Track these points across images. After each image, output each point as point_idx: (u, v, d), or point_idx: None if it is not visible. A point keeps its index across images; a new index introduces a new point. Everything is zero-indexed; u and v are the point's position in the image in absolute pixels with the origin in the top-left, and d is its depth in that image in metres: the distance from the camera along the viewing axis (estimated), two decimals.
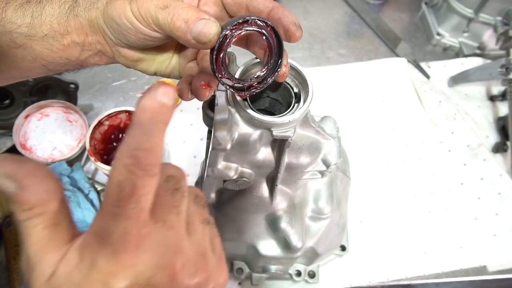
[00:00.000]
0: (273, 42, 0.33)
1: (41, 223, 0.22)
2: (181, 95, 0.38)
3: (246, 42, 0.38)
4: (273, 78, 0.35)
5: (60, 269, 0.22)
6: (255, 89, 0.35)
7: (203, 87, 0.37)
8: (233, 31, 0.32)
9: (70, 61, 0.38)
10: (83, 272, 0.22)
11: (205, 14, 0.33)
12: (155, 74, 0.40)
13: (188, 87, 0.38)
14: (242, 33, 0.32)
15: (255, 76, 0.35)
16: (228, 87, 0.35)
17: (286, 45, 0.35)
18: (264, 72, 0.35)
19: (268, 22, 0.32)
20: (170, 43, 0.34)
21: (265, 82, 0.35)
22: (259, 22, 0.32)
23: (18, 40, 0.36)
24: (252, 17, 0.32)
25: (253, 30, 0.32)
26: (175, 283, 0.24)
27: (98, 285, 0.22)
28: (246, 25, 0.32)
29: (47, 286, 0.22)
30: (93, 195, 0.68)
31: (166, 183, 0.25)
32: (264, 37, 0.33)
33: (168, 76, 0.41)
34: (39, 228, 0.22)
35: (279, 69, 0.35)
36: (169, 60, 0.40)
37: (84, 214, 0.65)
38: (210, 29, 0.32)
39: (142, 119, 0.23)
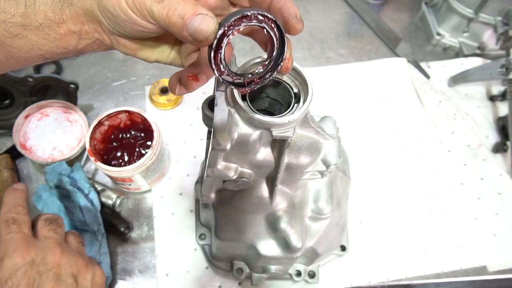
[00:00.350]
0: (275, 36, 0.32)
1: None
2: (170, 89, 0.39)
3: (250, 32, 0.37)
4: (275, 72, 0.34)
5: None
6: (256, 84, 0.35)
7: (190, 78, 0.36)
8: (232, 27, 0.31)
9: (68, 50, 0.37)
10: None
11: (202, 8, 0.31)
12: (156, 61, 0.40)
13: (177, 82, 0.38)
14: (241, 29, 0.31)
15: (256, 71, 0.35)
16: (228, 83, 0.34)
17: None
18: (266, 66, 0.34)
19: (269, 15, 0.31)
20: (170, 33, 0.34)
21: (267, 76, 0.34)
22: (259, 16, 0.31)
23: (13, 30, 0.35)
24: (252, 12, 0.31)
25: (253, 24, 0.31)
26: (59, 263, 0.41)
27: (8, 273, 0.38)
28: (245, 20, 0.31)
29: None
30: (93, 195, 0.68)
31: (44, 220, 0.45)
32: (265, 31, 0.32)
33: (170, 65, 0.40)
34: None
35: (281, 63, 0.34)
36: (169, 50, 0.39)
37: (84, 214, 0.65)
38: (207, 26, 0.30)
39: (10, 196, 0.47)
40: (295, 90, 0.40)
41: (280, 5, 0.34)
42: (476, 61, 0.92)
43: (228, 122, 0.37)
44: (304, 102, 0.37)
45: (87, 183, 0.69)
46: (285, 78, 0.40)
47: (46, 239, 0.43)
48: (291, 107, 0.39)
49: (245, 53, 0.91)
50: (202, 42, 0.31)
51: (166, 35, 0.37)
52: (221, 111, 0.37)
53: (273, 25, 0.32)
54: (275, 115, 0.38)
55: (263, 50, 0.37)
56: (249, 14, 0.31)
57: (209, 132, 0.48)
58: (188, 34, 0.31)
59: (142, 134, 0.74)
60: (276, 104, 0.44)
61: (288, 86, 0.40)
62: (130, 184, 0.70)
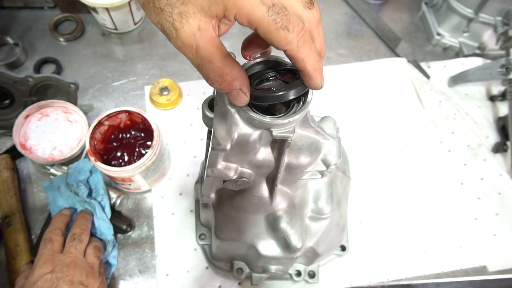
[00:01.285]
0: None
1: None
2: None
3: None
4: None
5: (24, 284, 0.55)
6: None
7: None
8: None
9: None
10: (29, 277, 0.54)
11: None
12: None
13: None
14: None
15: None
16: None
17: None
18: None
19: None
20: None
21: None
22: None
23: None
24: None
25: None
26: (73, 274, 0.55)
27: (36, 278, 0.53)
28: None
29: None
30: (105, 203, 0.68)
31: (71, 236, 0.60)
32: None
33: None
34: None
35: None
36: None
37: (99, 223, 0.66)
38: (244, 97, 0.34)
39: (55, 219, 0.65)
40: None
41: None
42: (476, 61, 0.92)
43: (228, 122, 0.37)
44: (304, 102, 0.37)
45: (103, 188, 0.69)
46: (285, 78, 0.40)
47: (67, 253, 0.57)
48: (291, 107, 0.39)
49: None
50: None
51: None
52: (222, 111, 0.37)
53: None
54: (275, 115, 0.38)
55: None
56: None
57: (209, 132, 0.48)
58: (231, 94, 0.35)
59: (142, 134, 0.74)
60: (276, 104, 0.43)
61: None
62: (130, 184, 0.70)
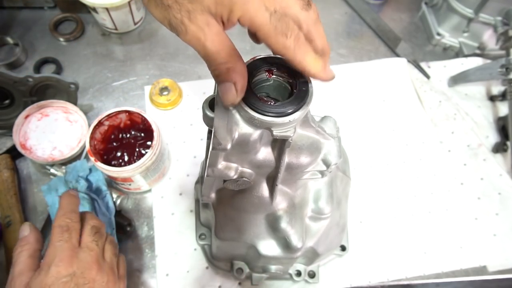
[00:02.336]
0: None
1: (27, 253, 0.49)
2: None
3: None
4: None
5: (31, 279, 0.44)
6: None
7: None
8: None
9: None
10: (42, 275, 0.44)
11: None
12: None
13: None
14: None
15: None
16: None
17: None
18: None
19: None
20: None
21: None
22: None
23: None
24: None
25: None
26: (95, 279, 0.46)
27: (52, 280, 0.43)
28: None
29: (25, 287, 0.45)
30: (108, 198, 0.68)
31: (90, 229, 0.50)
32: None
33: None
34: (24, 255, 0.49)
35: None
36: None
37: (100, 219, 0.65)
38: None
39: (65, 200, 0.52)
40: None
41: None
42: (476, 61, 0.92)
43: (228, 121, 0.37)
44: (304, 102, 0.37)
45: (104, 185, 0.69)
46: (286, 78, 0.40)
47: (88, 250, 0.47)
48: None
49: (245, 52, 0.91)
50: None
51: None
52: (222, 111, 0.37)
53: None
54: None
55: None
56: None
57: (209, 132, 0.48)
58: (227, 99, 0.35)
59: (142, 134, 0.74)
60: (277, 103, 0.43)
61: (288, 86, 0.40)
62: (130, 184, 0.70)
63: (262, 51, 0.38)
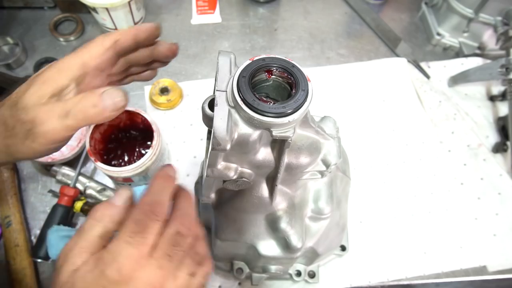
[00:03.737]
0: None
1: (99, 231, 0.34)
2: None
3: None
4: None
5: (82, 268, 0.32)
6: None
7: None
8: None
9: None
10: (95, 275, 0.31)
11: (98, 89, 0.36)
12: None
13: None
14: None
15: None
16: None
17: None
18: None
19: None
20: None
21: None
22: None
23: None
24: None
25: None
26: None
27: (101, 286, 0.31)
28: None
29: (71, 274, 0.32)
30: None
31: (174, 236, 0.34)
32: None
33: None
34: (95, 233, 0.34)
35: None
36: None
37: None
38: (117, 95, 0.36)
39: (157, 184, 0.36)
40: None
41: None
42: (476, 61, 0.92)
43: (228, 122, 0.37)
44: (304, 102, 0.37)
45: None
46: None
47: (155, 267, 0.32)
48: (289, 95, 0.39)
49: (245, 52, 0.91)
50: (123, 107, 0.37)
51: None
52: (222, 111, 0.37)
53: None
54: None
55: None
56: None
57: (209, 132, 0.48)
58: (111, 111, 0.36)
59: (142, 134, 0.74)
60: (276, 103, 0.43)
61: (287, 86, 0.40)
62: (130, 184, 0.70)
63: (262, 51, 0.38)
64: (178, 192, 0.39)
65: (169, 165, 0.39)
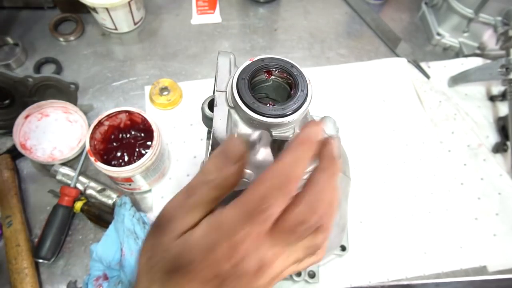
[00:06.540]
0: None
1: (211, 190, 0.30)
2: None
3: None
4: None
5: (190, 235, 0.28)
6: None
7: None
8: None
9: None
10: (208, 244, 0.27)
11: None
12: None
13: None
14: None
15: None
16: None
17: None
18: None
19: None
20: None
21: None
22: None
23: None
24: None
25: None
26: None
27: (221, 258, 0.27)
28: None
29: (178, 242, 0.28)
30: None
31: (296, 224, 0.28)
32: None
33: None
34: (206, 192, 0.29)
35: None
36: None
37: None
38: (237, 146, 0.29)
39: (294, 151, 0.29)
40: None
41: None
42: (476, 61, 0.92)
43: (227, 122, 0.37)
44: (303, 103, 0.37)
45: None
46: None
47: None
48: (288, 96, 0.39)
49: (245, 53, 0.91)
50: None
51: None
52: (221, 112, 0.37)
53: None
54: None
55: None
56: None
57: (209, 132, 0.48)
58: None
59: (142, 134, 0.74)
60: (276, 104, 0.43)
61: (287, 87, 0.40)
62: (130, 184, 0.70)
63: (262, 51, 0.38)
64: (323, 152, 0.31)
65: (313, 121, 0.32)
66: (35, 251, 0.67)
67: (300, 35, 0.97)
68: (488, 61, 0.91)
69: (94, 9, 0.87)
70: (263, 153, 0.43)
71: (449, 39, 0.96)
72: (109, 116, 0.69)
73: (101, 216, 0.70)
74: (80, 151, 0.76)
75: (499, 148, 0.82)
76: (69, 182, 0.73)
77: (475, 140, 0.84)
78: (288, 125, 0.37)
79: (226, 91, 0.38)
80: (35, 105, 0.75)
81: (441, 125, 0.86)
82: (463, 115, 0.87)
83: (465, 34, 0.93)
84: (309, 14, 1.01)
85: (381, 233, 0.74)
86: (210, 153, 0.39)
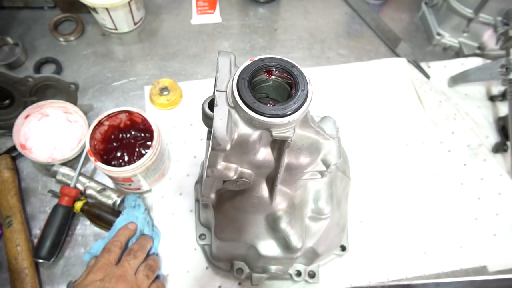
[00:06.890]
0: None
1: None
2: None
3: None
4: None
5: (78, 281, 0.60)
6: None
7: None
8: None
9: None
10: (82, 279, 0.58)
11: None
12: None
13: None
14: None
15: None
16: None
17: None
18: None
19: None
20: None
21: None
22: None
23: None
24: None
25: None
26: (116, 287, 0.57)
27: (87, 282, 0.57)
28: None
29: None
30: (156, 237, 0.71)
31: (129, 250, 0.63)
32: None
33: None
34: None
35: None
36: None
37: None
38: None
39: (117, 234, 0.66)
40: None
41: None
42: (476, 61, 0.92)
43: (228, 122, 0.37)
44: (303, 103, 0.37)
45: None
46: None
47: (120, 266, 0.60)
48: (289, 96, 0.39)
49: (245, 53, 0.91)
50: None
51: None
52: (221, 111, 0.37)
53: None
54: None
55: None
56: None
57: (209, 132, 0.48)
58: None
59: (142, 134, 0.74)
60: (276, 104, 0.43)
61: (287, 87, 0.40)
62: (130, 184, 0.70)
63: (262, 51, 0.38)
64: (143, 236, 0.68)
65: (131, 224, 0.67)
66: (35, 251, 0.67)
67: (300, 35, 0.97)
68: (488, 61, 0.91)
69: (94, 9, 0.87)
70: (263, 153, 0.43)
71: (449, 39, 0.96)
72: (109, 116, 0.69)
73: (101, 216, 0.70)
74: (80, 151, 0.76)
75: (499, 148, 0.82)
76: (69, 182, 0.73)
77: (475, 140, 0.84)
78: (289, 125, 0.37)
79: (226, 91, 0.38)
80: (35, 105, 0.75)
81: (441, 125, 0.86)
82: (463, 115, 0.87)
83: (465, 34, 0.93)
84: (309, 14, 1.01)
85: (381, 233, 0.74)
86: (209, 153, 0.39)
